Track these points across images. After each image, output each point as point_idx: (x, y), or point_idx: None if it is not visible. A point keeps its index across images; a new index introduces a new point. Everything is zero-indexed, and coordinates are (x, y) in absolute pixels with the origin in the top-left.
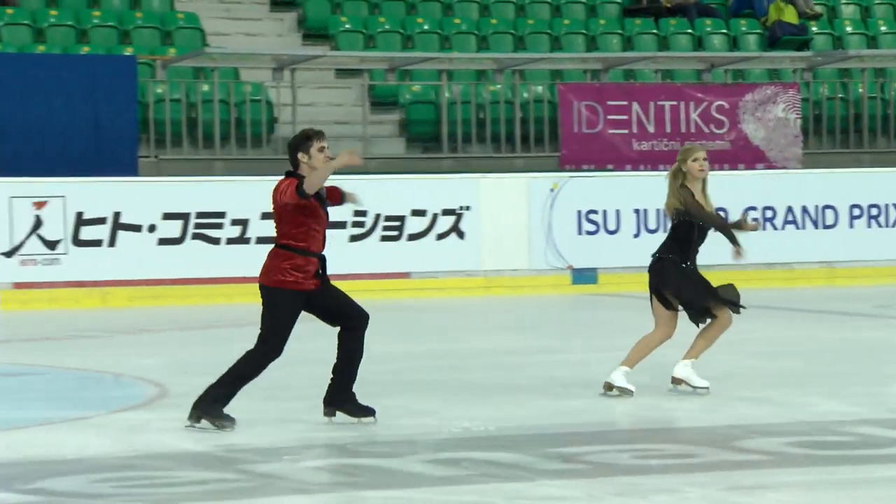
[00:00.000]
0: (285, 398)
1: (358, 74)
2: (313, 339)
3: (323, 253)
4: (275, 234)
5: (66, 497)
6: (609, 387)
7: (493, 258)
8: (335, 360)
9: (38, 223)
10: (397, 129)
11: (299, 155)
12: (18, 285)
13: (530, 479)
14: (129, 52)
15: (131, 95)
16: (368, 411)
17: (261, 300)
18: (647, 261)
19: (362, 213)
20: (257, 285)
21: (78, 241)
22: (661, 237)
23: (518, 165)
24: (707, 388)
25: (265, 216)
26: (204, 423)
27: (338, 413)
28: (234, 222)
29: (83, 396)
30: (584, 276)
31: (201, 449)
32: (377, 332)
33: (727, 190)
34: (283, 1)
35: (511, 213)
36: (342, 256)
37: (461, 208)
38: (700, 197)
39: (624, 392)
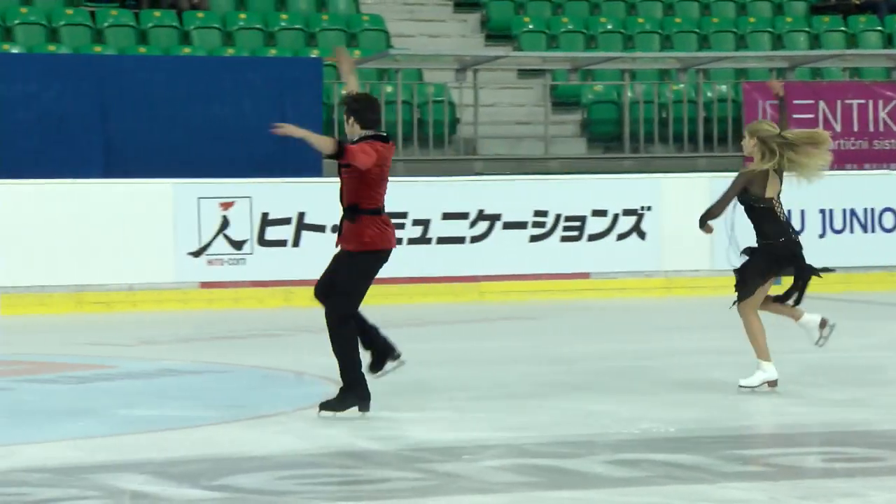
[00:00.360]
0: (464, 398)
1: (540, 75)
2: (490, 338)
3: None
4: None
5: (250, 494)
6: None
7: (674, 258)
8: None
9: (224, 223)
10: (579, 129)
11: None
12: (205, 284)
13: (711, 481)
14: (315, 54)
15: (317, 97)
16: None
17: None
18: (833, 262)
19: (543, 214)
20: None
21: (263, 241)
22: (846, 237)
23: (700, 165)
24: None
25: (446, 216)
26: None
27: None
28: (416, 223)
29: (266, 394)
30: None
31: (382, 448)
32: (557, 332)
33: None
34: (467, 2)
35: (693, 214)
36: (523, 256)
37: (642, 208)
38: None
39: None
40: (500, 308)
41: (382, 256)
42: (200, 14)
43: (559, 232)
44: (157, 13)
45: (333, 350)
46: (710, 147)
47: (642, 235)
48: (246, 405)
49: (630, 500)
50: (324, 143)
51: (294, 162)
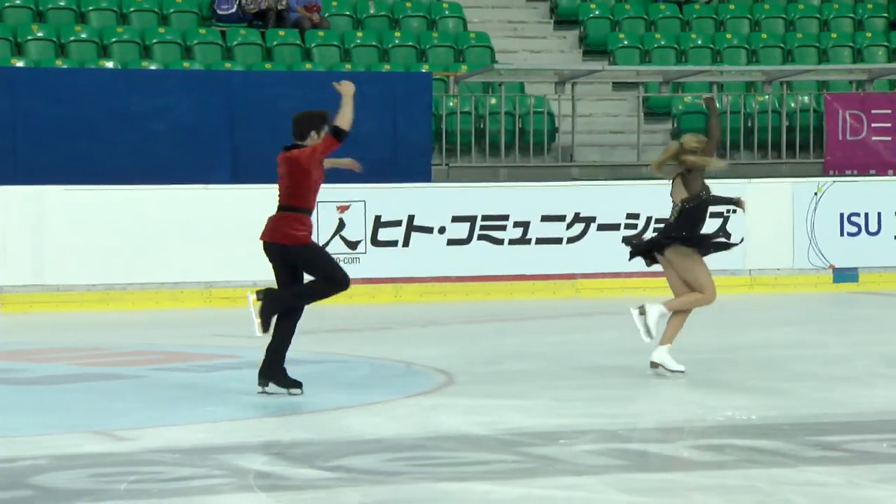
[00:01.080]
0: (561, 387)
1: (634, 87)
2: (585, 331)
3: None
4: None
5: (362, 474)
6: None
7: (758, 258)
8: (272, 338)
9: (341, 225)
10: (669, 137)
11: (312, 132)
12: None
13: (792, 465)
14: (425, 69)
15: (426, 108)
16: (296, 384)
17: (294, 258)
18: None
19: (635, 216)
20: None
21: (376, 242)
22: None
23: (784, 171)
24: (682, 371)
25: (545, 219)
26: (272, 387)
27: (270, 384)
28: (516, 224)
29: (377, 383)
30: (845, 275)
31: (484, 432)
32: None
33: None
34: (566, 20)
35: (776, 216)
36: (616, 256)
37: (728, 211)
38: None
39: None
40: (594, 303)
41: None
42: (321, 33)
43: (650, 233)
44: (281, 32)
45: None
46: (792, 154)
47: (728, 236)
48: (359, 392)
49: (715, 482)
50: (349, 119)
51: (405, 168)
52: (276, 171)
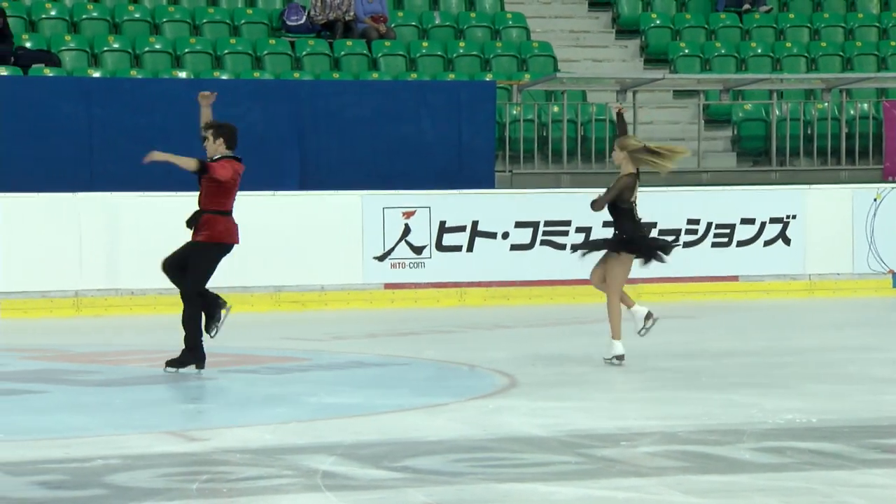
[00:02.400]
0: (624, 390)
1: (694, 95)
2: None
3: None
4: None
5: (428, 474)
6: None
7: (817, 263)
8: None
9: (406, 231)
10: (729, 144)
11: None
12: (388, 286)
13: (851, 467)
14: (489, 77)
15: (490, 116)
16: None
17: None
18: None
19: (695, 222)
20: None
21: (440, 247)
22: None
23: (842, 177)
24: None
25: (606, 224)
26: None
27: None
28: (578, 230)
29: (441, 385)
30: None
31: (547, 434)
32: (707, 330)
33: None
34: (628, 29)
35: (835, 221)
36: (676, 261)
37: (788, 217)
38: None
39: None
40: (655, 308)
41: (226, 248)
42: (387, 43)
43: (710, 238)
44: (349, 42)
45: (182, 318)
46: (851, 160)
47: (787, 242)
48: (424, 394)
49: (775, 484)
50: (188, 164)
51: (469, 176)
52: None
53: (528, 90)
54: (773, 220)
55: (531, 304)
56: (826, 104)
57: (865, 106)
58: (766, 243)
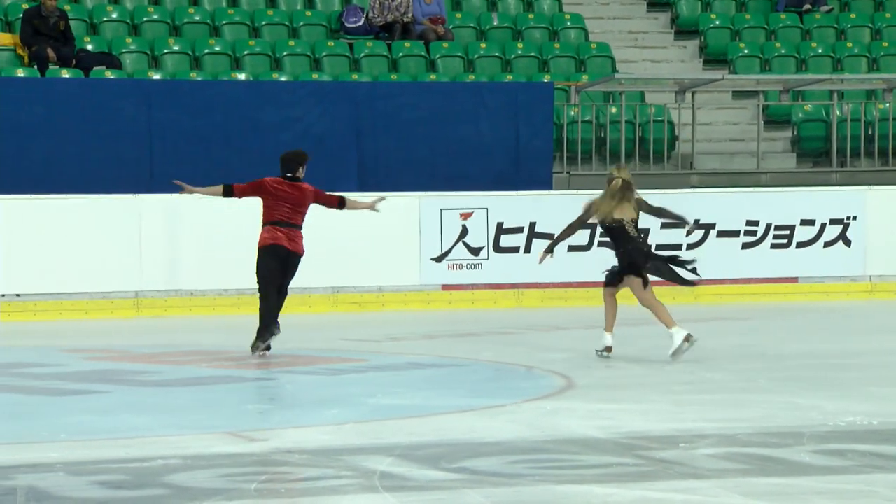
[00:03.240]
0: (681, 391)
1: (753, 96)
2: (705, 337)
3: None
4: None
5: (486, 476)
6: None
7: (878, 264)
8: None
9: (464, 232)
10: (789, 145)
11: (300, 168)
12: (446, 287)
13: None
14: (547, 78)
15: (548, 118)
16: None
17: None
18: None
19: (754, 223)
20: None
21: (498, 248)
22: None
23: None
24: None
25: (664, 226)
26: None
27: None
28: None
29: (499, 386)
30: None
31: (604, 436)
32: (767, 332)
33: None
34: (687, 30)
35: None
36: (735, 262)
37: (848, 218)
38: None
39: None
40: (714, 309)
41: (270, 251)
42: (445, 44)
43: (769, 240)
44: (407, 44)
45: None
46: None
47: (848, 243)
48: (482, 395)
49: (835, 486)
50: (214, 191)
51: (526, 177)
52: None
53: (586, 91)
54: (834, 222)
55: (588, 305)
56: (887, 105)
57: None
58: (826, 245)
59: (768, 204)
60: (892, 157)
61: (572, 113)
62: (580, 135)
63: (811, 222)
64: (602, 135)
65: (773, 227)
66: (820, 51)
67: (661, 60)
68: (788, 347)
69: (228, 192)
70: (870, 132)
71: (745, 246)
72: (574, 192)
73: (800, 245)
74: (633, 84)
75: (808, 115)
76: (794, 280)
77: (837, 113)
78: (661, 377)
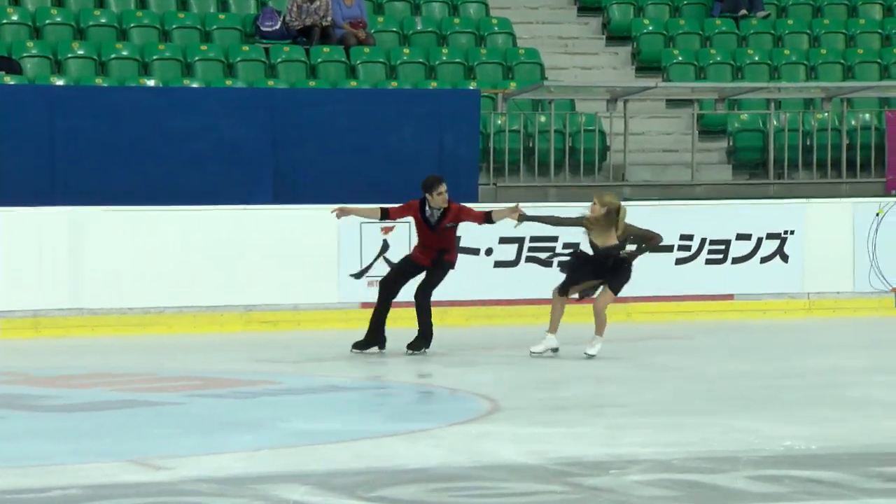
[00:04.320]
0: (614, 414)
1: (688, 104)
2: (637, 357)
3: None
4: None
5: None
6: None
7: (816, 281)
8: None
9: (385, 247)
10: (725, 156)
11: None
12: (365, 305)
13: (852, 497)
14: (473, 86)
15: (474, 127)
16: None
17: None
18: None
19: (688, 238)
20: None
21: None
22: None
23: (843, 191)
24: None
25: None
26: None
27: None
28: (566, 246)
29: (422, 410)
30: None
31: (533, 462)
32: (701, 351)
33: None
34: (619, 36)
35: (835, 237)
36: (669, 278)
37: (785, 232)
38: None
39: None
40: (646, 328)
41: (408, 263)
42: (367, 49)
43: (704, 255)
44: (326, 49)
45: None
46: (852, 173)
47: (785, 259)
48: (403, 419)
49: None
50: (371, 213)
51: (451, 188)
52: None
53: (513, 99)
54: (771, 236)
55: (516, 323)
56: (826, 114)
57: (867, 116)
58: (763, 260)
59: (703, 217)
60: (831, 169)
61: (499, 122)
62: (507, 145)
63: (747, 237)
64: (530, 144)
65: (707, 242)
66: (756, 58)
67: (592, 67)
68: (725, 367)
69: (385, 216)
70: (808, 143)
71: (679, 261)
72: (501, 204)
73: (735, 260)
74: (562, 92)
75: (744, 124)
76: (730, 297)
77: (775, 123)
78: (595, 399)
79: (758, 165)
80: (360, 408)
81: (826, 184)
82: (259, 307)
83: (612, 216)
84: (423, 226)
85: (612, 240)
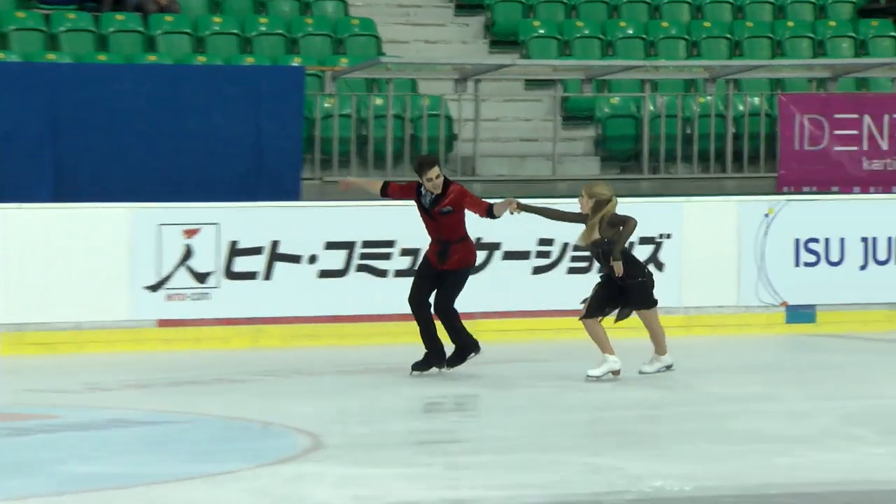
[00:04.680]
0: (455, 451)
1: (550, 86)
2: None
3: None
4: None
5: None
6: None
7: (696, 293)
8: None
9: (187, 253)
10: (592, 146)
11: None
12: (163, 323)
13: None
14: (296, 62)
15: (297, 110)
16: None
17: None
18: (878, 297)
19: (548, 243)
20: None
21: (230, 274)
22: (892, 269)
23: (728, 187)
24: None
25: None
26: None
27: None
28: (405, 252)
29: (228, 448)
30: (800, 313)
31: None
32: (561, 376)
33: None
34: (469, 4)
35: (718, 242)
36: (524, 291)
37: (661, 236)
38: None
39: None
40: (497, 349)
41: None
42: (169, 18)
43: (566, 263)
44: (119, 17)
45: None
46: (739, 167)
47: (660, 267)
48: (206, 459)
49: None
50: (373, 186)
51: (269, 184)
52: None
53: (344, 78)
54: (644, 241)
55: (343, 344)
56: (710, 98)
57: (757, 100)
58: None
59: None
60: (715, 163)
61: (328, 105)
62: (337, 132)
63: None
64: (364, 132)
65: (570, 248)
66: (630, 31)
67: (438, 41)
68: (587, 395)
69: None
70: (688, 131)
71: (538, 270)
72: (327, 203)
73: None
74: (403, 70)
75: (615, 109)
76: None
77: (650, 108)
78: (432, 434)
79: (630, 158)
80: (153, 446)
81: (708, 179)
82: (32, 326)
83: (600, 207)
84: (422, 211)
85: (595, 234)
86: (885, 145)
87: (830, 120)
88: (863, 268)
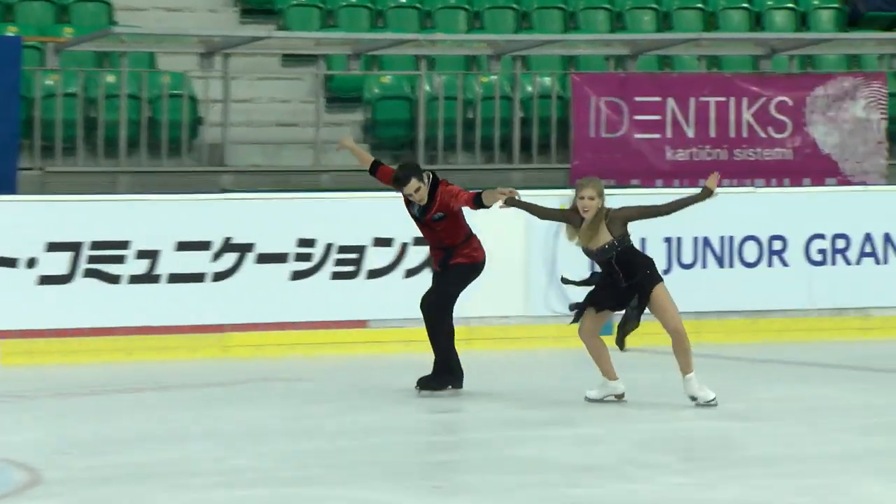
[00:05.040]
0: (198, 486)
1: (312, 62)
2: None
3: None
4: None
5: None
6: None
7: (477, 302)
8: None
9: None
10: (360, 132)
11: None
12: None
13: None
14: (11, 31)
15: (13, 88)
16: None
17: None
18: (682, 305)
19: (309, 244)
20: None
21: None
22: (697, 274)
23: (515, 180)
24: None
25: (181, 246)
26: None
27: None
28: (141, 255)
29: None
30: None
31: None
32: (326, 398)
33: (786, 212)
34: None
35: (504, 244)
36: (281, 299)
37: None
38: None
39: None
40: (250, 367)
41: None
42: None
43: (329, 267)
44: None
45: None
46: (527, 157)
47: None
48: None
49: None
50: (365, 160)
51: None
52: None
53: (70, 51)
54: (419, 241)
55: (68, 362)
56: (494, 77)
57: (547, 80)
58: (409, 274)
59: (330, 216)
60: (500, 151)
61: (49, 82)
62: (61, 114)
63: (388, 242)
64: (93, 115)
65: (335, 250)
66: (402, 1)
67: (181, 9)
68: (351, 419)
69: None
70: (470, 115)
71: (297, 275)
72: (49, 197)
73: (372, 274)
74: (138, 42)
75: (386, 90)
76: (364, 324)
77: (426, 88)
78: (171, 467)
79: (403, 145)
80: None
81: (492, 171)
82: None
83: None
84: (414, 220)
85: (606, 236)
86: (690, 132)
87: (630, 103)
88: (667, 272)
